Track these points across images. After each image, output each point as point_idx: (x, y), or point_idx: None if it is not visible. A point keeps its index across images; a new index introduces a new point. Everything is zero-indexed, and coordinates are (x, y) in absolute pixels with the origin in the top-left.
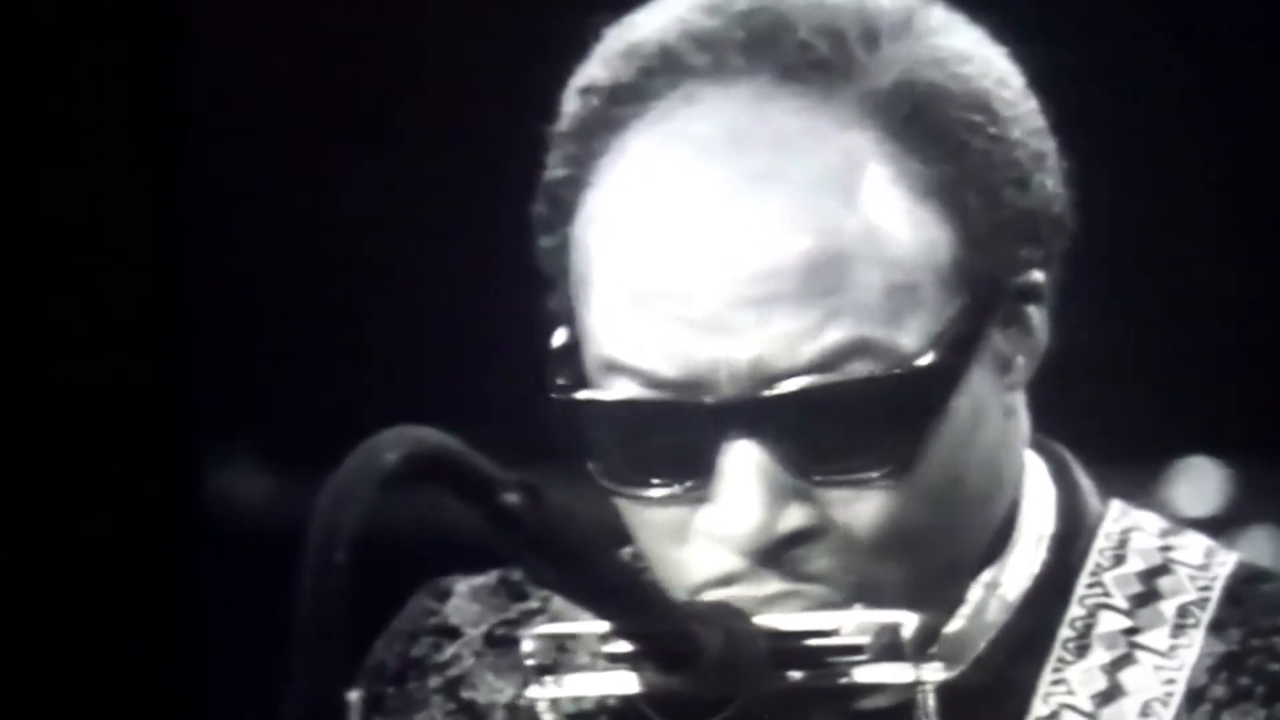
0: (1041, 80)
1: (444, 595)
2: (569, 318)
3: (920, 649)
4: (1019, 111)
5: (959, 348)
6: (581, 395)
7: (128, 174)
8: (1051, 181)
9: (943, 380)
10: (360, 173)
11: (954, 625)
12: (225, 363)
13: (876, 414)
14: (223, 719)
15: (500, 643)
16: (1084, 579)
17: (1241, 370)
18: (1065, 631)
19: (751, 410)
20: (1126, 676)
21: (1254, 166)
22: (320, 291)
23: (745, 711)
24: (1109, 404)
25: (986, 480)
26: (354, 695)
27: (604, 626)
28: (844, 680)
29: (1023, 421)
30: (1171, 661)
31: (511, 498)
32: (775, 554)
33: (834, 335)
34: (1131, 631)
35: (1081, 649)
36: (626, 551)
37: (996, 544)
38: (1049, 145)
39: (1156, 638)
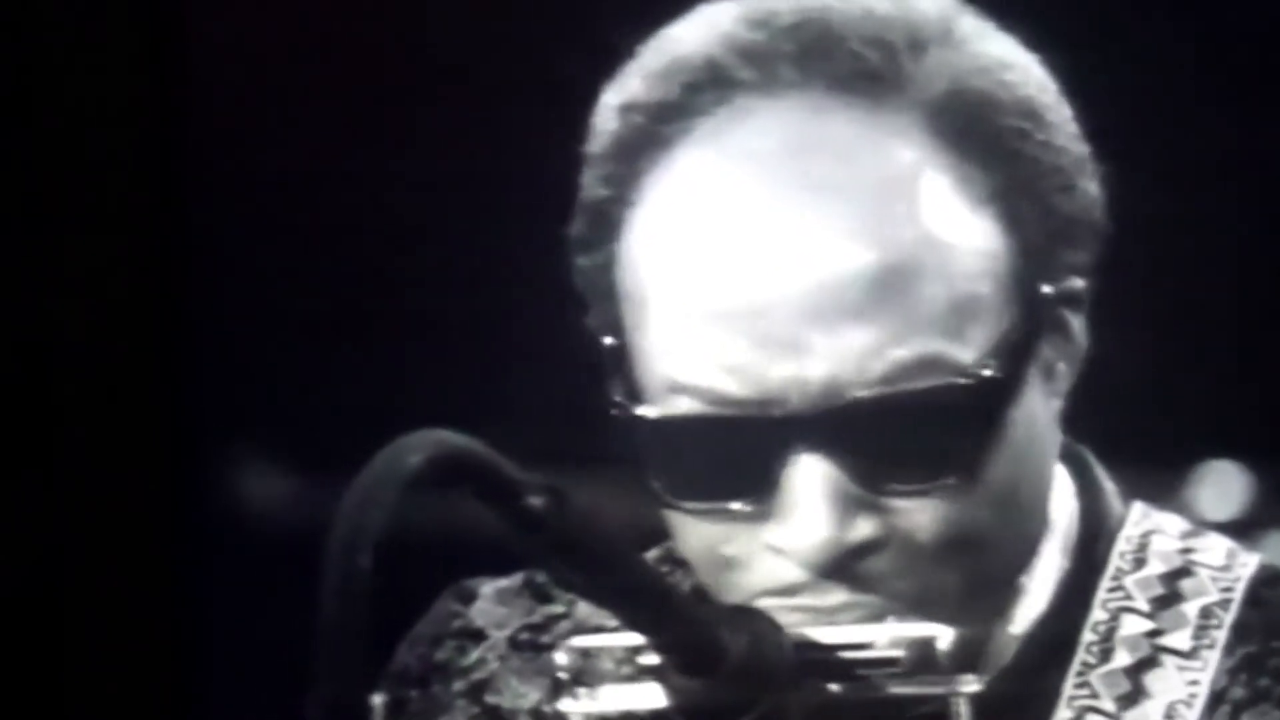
0: (1068, 85)
1: (469, 598)
2: (617, 336)
3: (957, 662)
4: (1061, 117)
5: (1016, 357)
6: (647, 413)
7: (129, 173)
8: (1092, 187)
9: (1002, 389)
10: (363, 172)
11: (988, 634)
12: (226, 363)
13: (940, 424)
14: (223, 719)
15: (525, 647)
16: (1106, 582)
17: (1265, 374)
18: (1088, 635)
19: (819, 425)
20: (1150, 679)
21: None
22: (321, 291)
23: (769, 716)
24: (1133, 408)
25: (1039, 488)
26: (377, 699)
27: (635, 638)
28: (878, 694)
29: (1058, 428)
30: (1195, 663)
31: (536, 500)
32: (842, 566)
33: (902, 350)
34: (1154, 634)
35: (1105, 652)
36: (651, 555)
37: (1030, 552)
38: (1086, 150)
39: (1179, 639)
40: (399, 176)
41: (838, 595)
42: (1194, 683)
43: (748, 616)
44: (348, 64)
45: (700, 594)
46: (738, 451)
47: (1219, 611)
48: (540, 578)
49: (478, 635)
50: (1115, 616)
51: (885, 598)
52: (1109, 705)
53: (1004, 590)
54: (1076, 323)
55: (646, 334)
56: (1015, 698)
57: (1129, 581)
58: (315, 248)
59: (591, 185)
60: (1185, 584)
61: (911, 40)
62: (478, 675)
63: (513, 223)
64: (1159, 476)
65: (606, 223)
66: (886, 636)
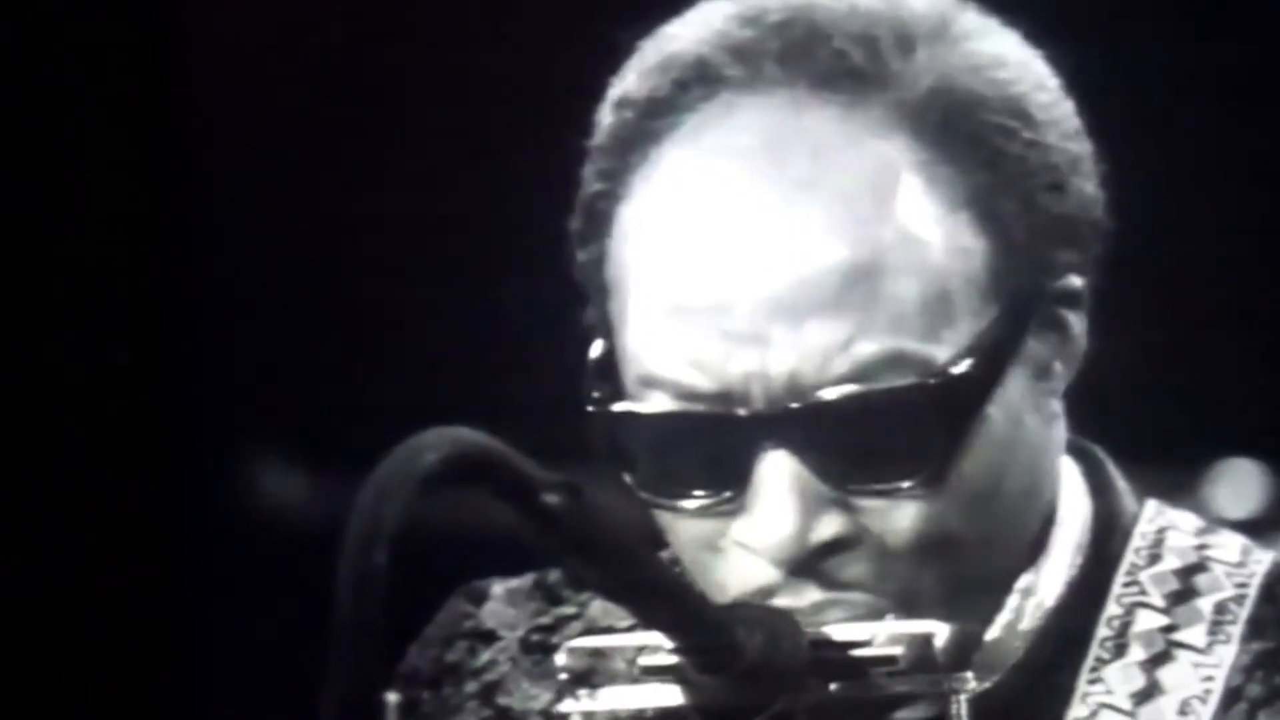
0: (1077, 83)
1: (480, 599)
2: (606, 331)
3: (954, 659)
4: (1055, 115)
5: (993, 356)
6: (617, 408)
7: (130, 173)
8: (1089, 185)
9: (975, 389)
10: (364, 169)
11: (991, 633)
12: (226, 363)
13: (908, 423)
14: (223, 719)
15: (536, 648)
16: (1120, 578)
17: None
18: (1103, 630)
19: (785, 422)
20: (1164, 674)
21: None
22: (322, 290)
23: (784, 715)
24: (1149, 406)
25: (1025, 487)
26: (391, 697)
27: (641, 638)
28: (877, 691)
29: (1060, 426)
30: (1209, 659)
31: (553, 498)
32: (811, 564)
33: (867, 347)
34: (1169, 629)
35: (1119, 648)
36: (666, 553)
37: (1033, 549)
38: (1086, 148)
39: (1194, 635)
40: (400, 174)
41: (814, 594)
42: (1208, 678)
43: (765, 615)
44: (348, 62)
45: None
46: (707, 447)
47: (1234, 607)
48: (551, 578)
49: (489, 636)
50: (1130, 611)
51: (867, 595)
52: (1123, 701)
53: (997, 590)
54: (1076, 321)
55: (625, 328)
56: (1025, 695)
57: (1144, 577)
58: (316, 246)
59: (589, 180)
60: (1200, 579)
61: (900, 37)
62: (489, 676)
63: (517, 218)
64: (1175, 475)
65: (600, 218)
66: (885, 634)
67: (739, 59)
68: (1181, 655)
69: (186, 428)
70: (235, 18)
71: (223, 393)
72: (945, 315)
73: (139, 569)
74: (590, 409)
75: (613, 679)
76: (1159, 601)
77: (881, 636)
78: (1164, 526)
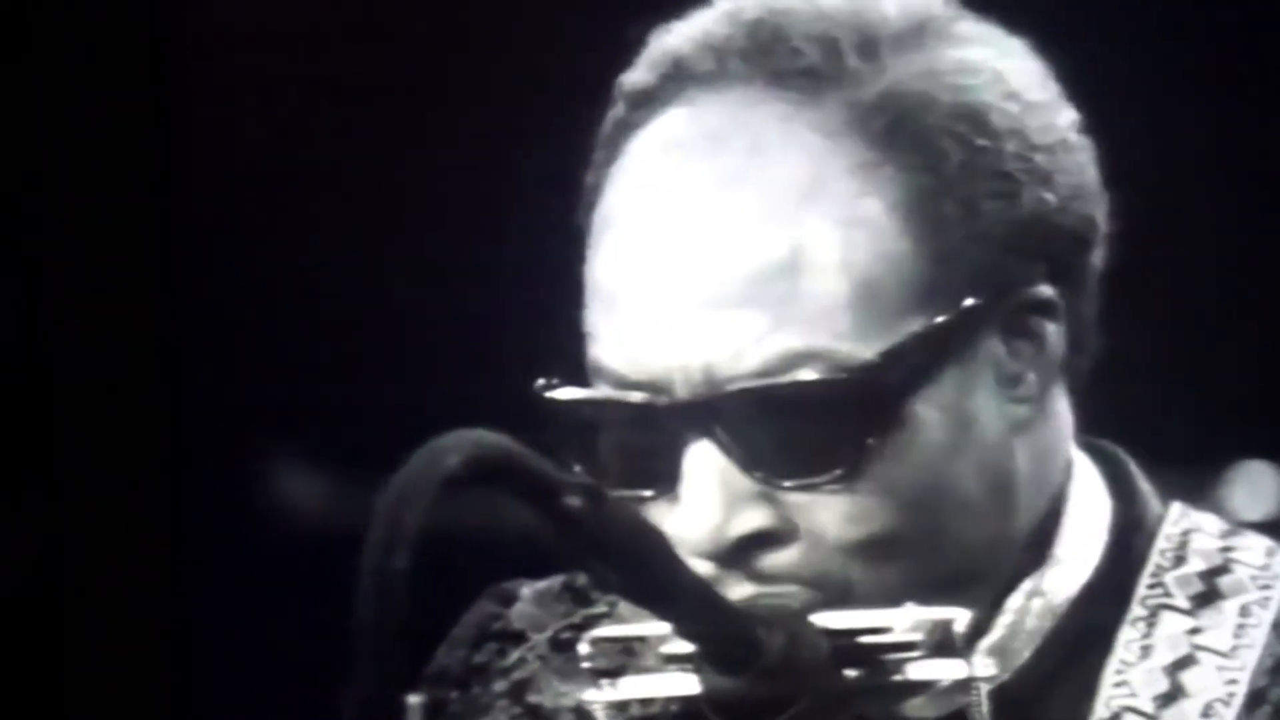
0: (1088, 88)
1: (508, 600)
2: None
3: (971, 645)
4: (1022, 125)
5: (922, 357)
6: (551, 393)
7: (130, 172)
8: (1056, 196)
9: (893, 388)
10: (365, 168)
11: (994, 634)
12: (227, 362)
13: (823, 419)
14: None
15: (566, 647)
16: (1145, 580)
17: None
18: (1128, 633)
19: (703, 413)
20: (1188, 677)
21: None
22: (323, 290)
23: (806, 713)
24: (1167, 409)
25: (984, 491)
26: (414, 699)
27: (662, 629)
28: (898, 677)
29: (1050, 432)
30: (1234, 661)
31: (574, 500)
32: (737, 556)
33: (782, 342)
34: (1194, 631)
35: (1144, 650)
36: None
37: (1037, 552)
38: (1066, 162)
39: (1218, 638)
40: (402, 172)
41: (747, 587)
42: (1232, 681)
43: (786, 615)
44: (350, 61)
45: None
46: (639, 438)
47: (1258, 610)
48: (580, 581)
49: (518, 637)
50: (1154, 614)
51: (804, 589)
52: (1146, 704)
53: (982, 590)
54: (1051, 330)
55: (586, 318)
56: (1036, 694)
57: (1169, 579)
58: (318, 246)
59: (588, 174)
60: (1224, 582)
61: (864, 40)
62: (519, 675)
63: (521, 218)
64: (1193, 477)
65: (589, 210)
66: (905, 620)
67: (710, 55)
68: (1205, 658)
69: (187, 428)
70: (235, 17)
71: (223, 393)
72: (874, 315)
73: (139, 569)
74: (535, 393)
75: (638, 669)
76: (1184, 604)
77: (902, 622)
78: (1189, 529)
